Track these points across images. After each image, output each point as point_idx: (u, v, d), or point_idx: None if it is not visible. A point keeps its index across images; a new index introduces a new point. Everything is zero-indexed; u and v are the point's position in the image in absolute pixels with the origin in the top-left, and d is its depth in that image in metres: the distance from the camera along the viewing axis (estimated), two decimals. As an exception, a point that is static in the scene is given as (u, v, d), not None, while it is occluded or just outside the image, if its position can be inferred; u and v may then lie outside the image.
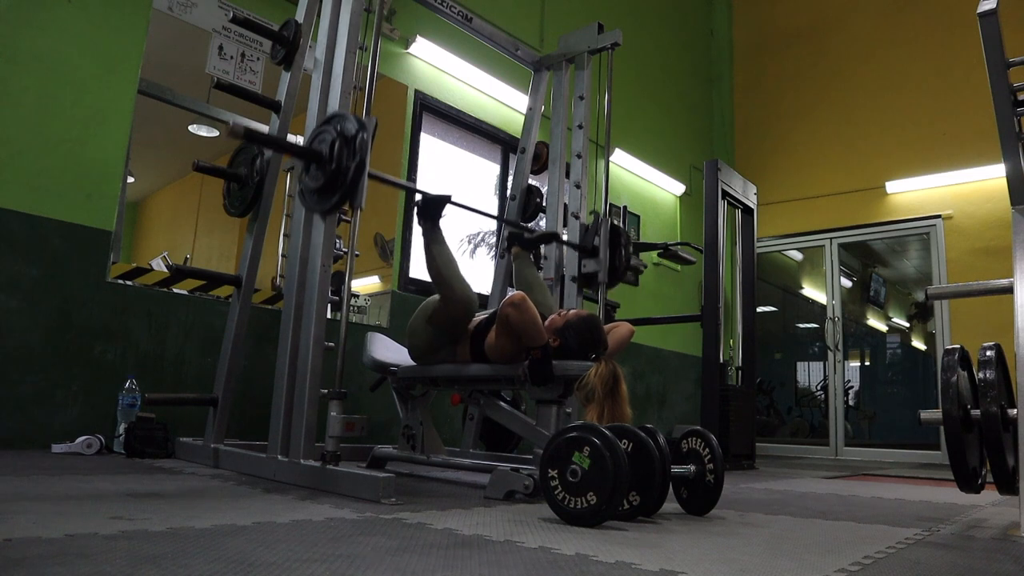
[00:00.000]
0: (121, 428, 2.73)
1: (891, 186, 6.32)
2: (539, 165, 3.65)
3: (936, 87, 6.26)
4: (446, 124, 4.52)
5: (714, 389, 4.33)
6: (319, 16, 2.62)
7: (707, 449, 1.99)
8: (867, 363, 7.98)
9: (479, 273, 4.63)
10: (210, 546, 1.17)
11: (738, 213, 5.09)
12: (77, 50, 2.91)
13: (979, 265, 5.74)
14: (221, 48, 3.41)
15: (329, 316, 2.65)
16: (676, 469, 1.93)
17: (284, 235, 3.52)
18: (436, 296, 2.50)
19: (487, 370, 2.40)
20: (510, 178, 3.75)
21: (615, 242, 3.31)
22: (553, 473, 1.69)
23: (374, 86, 2.43)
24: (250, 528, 1.37)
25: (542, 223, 3.69)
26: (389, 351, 2.85)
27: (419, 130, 4.26)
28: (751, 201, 5.04)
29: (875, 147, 6.52)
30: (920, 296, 7.57)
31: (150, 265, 3.14)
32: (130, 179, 3.09)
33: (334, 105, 2.37)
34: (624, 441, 1.77)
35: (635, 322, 4.82)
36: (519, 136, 3.73)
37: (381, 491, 1.86)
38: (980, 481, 2.06)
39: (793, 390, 7.70)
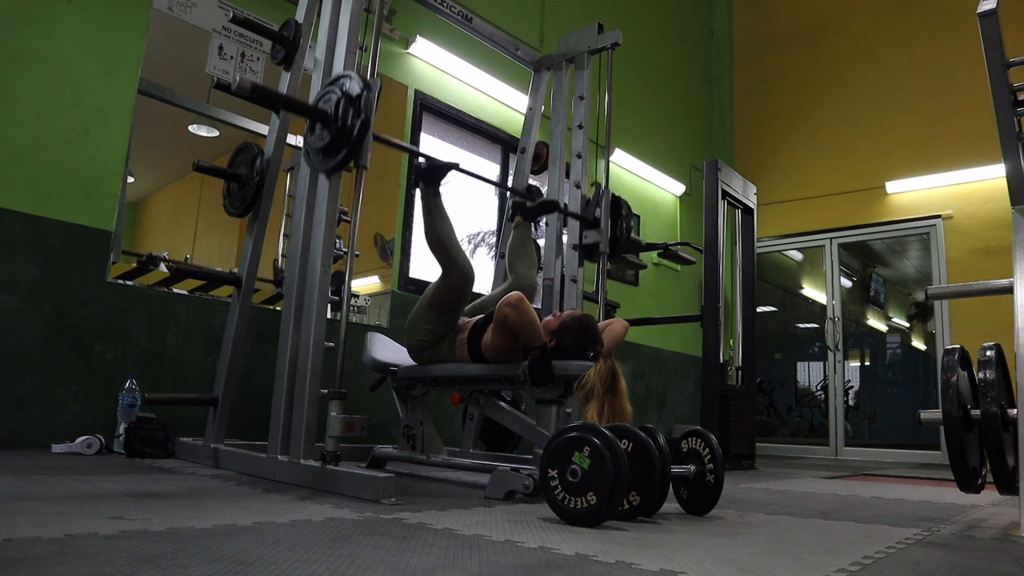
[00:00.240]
0: (121, 428, 2.73)
1: (891, 186, 6.32)
2: (539, 165, 3.65)
3: (936, 87, 6.26)
4: (446, 124, 4.52)
5: (714, 389, 4.33)
6: (319, 16, 2.62)
7: (707, 449, 1.99)
8: (867, 363, 7.98)
9: (480, 273, 4.62)
10: (210, 546, 1.17)
11: (738, 213, 5.09)
12: (77, 50, 2.91)
13: (979, 265, 5.73)
14: (221, 48, 3.41)
15: (329, 316, 2.64)
16: (676, 469, 1.93)
17: (284, 235, 3.52)
18: (432, 284, 2.50)
19: (487, 370, 2.40)
20: (510, 178, 3.76)
21: (616, 213, 3.32)
22: (553, 473, 1.69)
23: (374, 86, 2.43)
24: (250, 528, 1.37)
25: (543, 224, 3.69)
26: (389, 351, 2.85)
27: (419, 130, 4.26)
28: (751, 201, 5.04)
29: (875, 147, 6.52)
30: (920, 296, 7.57)
31: (152, 255, 3.14)
32: (130, 179, 3.09)
33: (334, 105, 2.37)
34: (624, 441, 1.77)
35: (635, 322, 4.85)
36: (519, 136, 3.73)
37: (381, 491, 1.86)
38: (980, 481, 2.06)
39: (793, 390, 7.70)
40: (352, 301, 3.69)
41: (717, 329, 4.38)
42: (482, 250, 4.85)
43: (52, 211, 2.79)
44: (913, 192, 6.26)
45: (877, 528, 1.88)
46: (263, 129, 3.19)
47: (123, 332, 2.93)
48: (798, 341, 7.98)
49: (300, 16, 2.80)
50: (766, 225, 6.59)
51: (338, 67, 2.40)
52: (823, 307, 6.61)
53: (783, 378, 7.69)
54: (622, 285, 5.68)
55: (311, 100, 2.31)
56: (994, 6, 1.96)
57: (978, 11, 1.98)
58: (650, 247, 4.75)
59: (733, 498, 2.50)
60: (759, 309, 5.56)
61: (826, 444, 6.39)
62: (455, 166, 2.48)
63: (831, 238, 6.65)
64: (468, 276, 2.46)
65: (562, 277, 3.32)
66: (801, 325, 7.97)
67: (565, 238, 3.39)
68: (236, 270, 2.83)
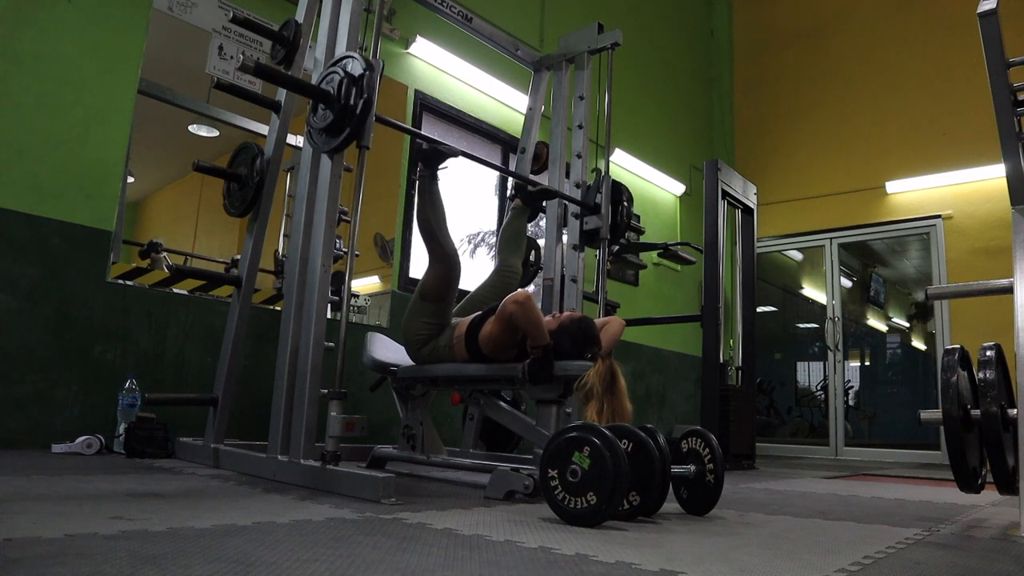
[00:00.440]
0: (121, 428, 2.73)
1: (891, 186, 6.32)
2: (539, 165, 3.65)
3: (936, 87, 6.26)
4: (446, 124, 4.52)
5: (714, 389, 4.33)
6: (319, 16, 2.62)
7: (707, 449, 1.99)
8: (867, 363, 7.98)
9: (480, 273, 4.63)
10: (210, 546, 1.17)
11: (738, 213, 5.09)
12: (77, 50, 2.91)
13: (979, 265, 5.73)
14: (221, 48, 3.41)
15: (329, 316, 2.64)
16: (676, 469, 1.93)
17: (284, 235, 3.52)
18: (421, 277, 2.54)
19: (487, 370, 2.40)
20: (510, 178, 3.76)
21: (616, 199, 3.33)
22: (553, 473, 1.69)
23: (374, 86, 2.43)
24: (250, 528, 1.37)
25: (543, 223, 3.69)
26: (389, 351, 2.85)
27: (419, 130, 4.26)
28: (751, 201, 5.04)
29: (875, 147, 6.52)
30: (920, 296, 7.57)
31: (152, 241, 3.15)
32: (130, 179, 3.09)
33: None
34: (624, 441, 1.77)
35: (635, 322, 4.87)
36: (519, 136, 3.73)
37: (381, 491, 1.86)
38: (980, 481, 2.06)
39: (793, 390, 7.70)
40: (352, 301, 3.69)
41: (717, 329, 4.38)
42: (482, 250, 4.86)
43: (52, 211, 2.79)
44: (913, 192, 6.26)
45: (877, 528, 1.88)
46: (263, 129, 3.19)
47: (123, 332, 2.93)
48: (798, 341, 7.98)
49: (300, 16, 2.80)
50: (766, 225, 6.59)
51: (338, 67, 2.40)
52: (823, 307, 6.61)
53: (783, 378, 7.69)
54: (622, 285, 5.68)
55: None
56: (994, 6, 1.96)
57: (978, 11, 1.98)
58: (650, 247, 4.75)
59: (733, 498, 2.50)
60: (759, 309, 5.57)
61: (826, 444, 6.39)
62: (457, 153, 2.50)
63: (831, 238, 6.65)
64: (453, 262, 2.50)
65: (562, 277, 3.32)
66: (801, 325, 7.97)
67: (565, 238, 3.39)
68: (232, 264, 2.83)
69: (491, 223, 4.84)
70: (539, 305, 3.32)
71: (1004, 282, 2.05)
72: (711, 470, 1.97)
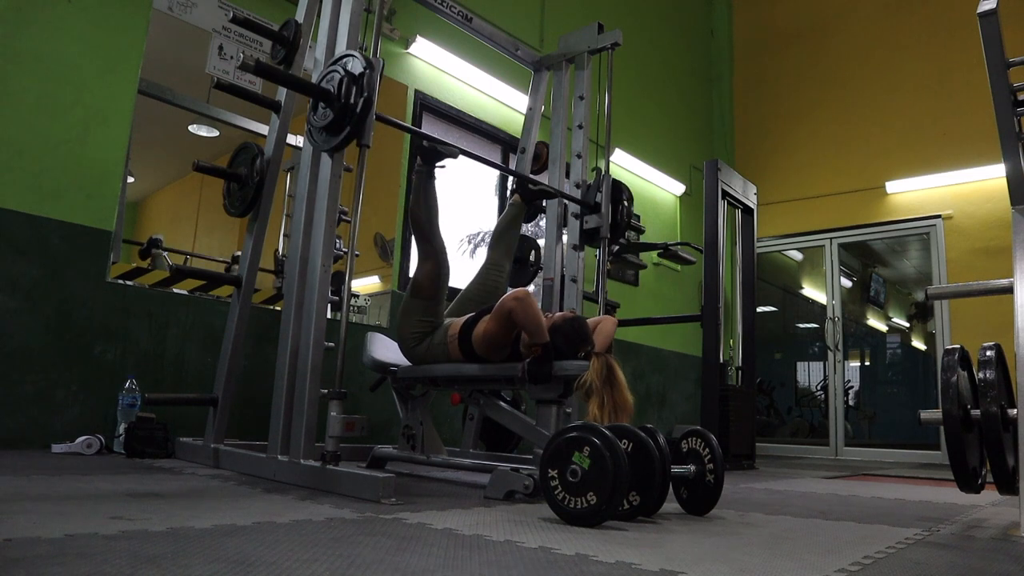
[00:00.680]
0: (121, 428, 2.73)
1: (891, 186, 6.32)
2: (539, 165, 3.65)
3: (936, 87, 6.26)
4: (446, 124, 4.52)
5: (714, 389, 4.33)
6: (319, 16, 2.62)
7: (707, 449, 1.99)
8: (867, 363, 7.98)
9: (474, 271, 4.62)
10: (210, 546, 1.17)
11: (738, 213, 5.09)
12: (77, 50, 2.91)
13: (979, 265, 5.73)
14: (221, 48, 3.41)
15: (329, 316, 2.64)
16: (676, 469, 1.93)
17: (284, 235, 3.52)
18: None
19: (487, 370, 2.40)
20: (510, 178, 3.76)
21: (616, 198, 3.33)
22: (553, 473, 1.69)
23: (374, 86, 2.43)
24: (250, 528, 1.37)
25: (542, 223, 3.69)
26: (389, 351, 2.85)
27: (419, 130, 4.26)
28: (751, 201, 5.04)
29: (875, 147, 6.51)
30: (920, 296, 7.57)
31: (152, 238, 3.15)
32: (130, 179, 3.09)
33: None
34: (624, 441, 1.77)
35: (635, 322, 4.87)
36: (519, 136, 3.73)
37: (381, 491, 1.86)
38: (980, 481, 2.06)
39: (793, 390, 7.70)
40: (352, 301, 3.69)
41: (717, 329, 4.38)
42: (482, 250, 4.85)
43: (52, 211, 2.79)
44: (913, 192, 6.26)
45: (877, 528, 1.88)
46: (263, 129, 3.19)
47: (123, 332, 2.93)
48: (798, 341, 7.98)
49: (300, 16, 2.80)
50: (766, 225, 6.59)
51: (338, 67, 2.40)
52: (823, 307, 6.61)
53: (783, 378, 7.69)
54: (622, 285, 5.68)
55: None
56: (994, 6, 1.96)
57: (978, 11, 1.98)
58: (650, 247, 4.75)
59: (733, 498, 2.50)
60: (759, 309, 5.56)
61: (826, 444, 6.39)
62: (456, 154, 2.53)
63: (831, 238, 6.65)
64: (442, 259, 2.52)
65: (562, 277, 3.32)
66: (801, 325, 7.97)
67: (565, 238, 3.39)
68: (232, 262, 2.83)
69: (491, 223, 4.83)
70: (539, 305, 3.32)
71: (1004, 282, 2.05)
72: (711, 470, 1.97)
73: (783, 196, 6.82)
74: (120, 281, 2.97)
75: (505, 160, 4.87)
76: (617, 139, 5.48)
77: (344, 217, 3.11)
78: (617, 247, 4.25)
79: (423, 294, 2.51)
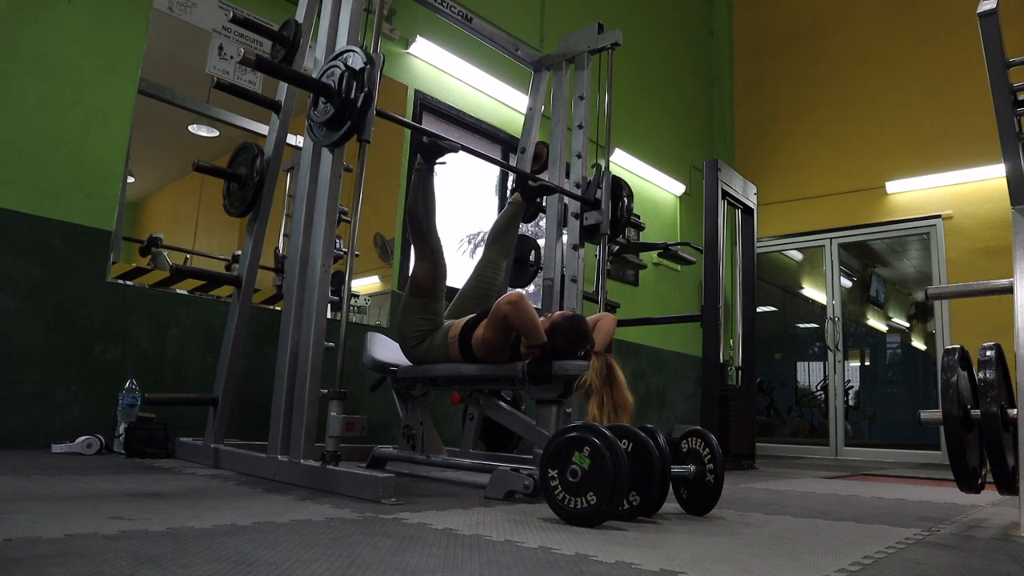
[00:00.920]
0: (121, 428, 2.73)
1: (891, 186, 6.32)
2: (539, 165, 3.65)
3: (936, 87, 6.26)
4: (446, 124, 4.52)
5: (714, 389, 4.33)
6: (319, 16, 2.62)
7: (707, 449, 1.99)
8: (867, 363, 7.98)
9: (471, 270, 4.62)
10: (210, 546, 1.17)
11: (738, 213, 5.09)
12: (77, 50, 2.91)
13: (979, 265, 5.73)
14: (221, 48, 3.41)
15: (329, 316, 2.64)
16: (676, 469, 1.93)
17: (284, 235, 3.52)
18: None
19: (487, 370, 2.40)
20: (510, 178, 3.75)
21: (616, 195, 3.33)
22: (553, 473, 1.69)
23: (374, 86, 2.43)
24: (250, 528, 1.37)
25: (542, 223, 3.69)
26: (389, 351, 2.85)
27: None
28: (751, 201, 5.04)
29: (875, 147, 6.51)
30: (920, 296, 7.57)
31: (152, 236, 3.15)
32: (130, 179, 3.09)
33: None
34: (624, 441, 1.77)
35: (635, 322, 4.87)
36: (519, 136, 3.73)
37: (381, 491, 1.86)
38: (980, 481, 2.06)
39: (793, 390, 7.70)
40: (352, 301, 3.69)
41: (717, 329, 4.38)
42: (481, 250, 4.85)
43: (52, 211, 2.79)
44: (913, 192, 6.26)
45: (877, 528, 1.88)
46: (263, 129, 3.19)
47: (123, 332, 2.93)
48: (798, 341, 7.98)
49: (300, 16, 2.80)
50: (766, 225, 6.59)
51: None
52: (823, 307, 6.61)
53: (783, 378, 7.69)
54: (622, 285, 5.68)
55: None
56: (994, 6, 1.96)
57: (978, 11, 1.98)
58: (650, 247, 4.75)
59: (733, 498, 2.50)
60: (759, 309, 5.56)
61: (826, 444, 6.39)
62: (457, 148, 2.53)
63: (831, 238, 6.65)
64: (438, 257, 2.53)
65: (562, 277, 3.32)
66: (801, 325, 7.97)
67: (565, 238, 3.39)
68: (233, 261, 2.82)
69: (491, 223, 4.83)
70: (539, 305, 3.33)
71: (1004, 282, 2.05)
72: (711, 470, 1.97)
73: (783, 196, 6.82)
74: (120, 281, 2.97)
75: (505, 159, 4.87)
76: (617, 139, 5.48)
77: (344, 217, 3.11)
78: (617, 246, 4.26)
79: (422, 293, 2.51)
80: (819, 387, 6.95)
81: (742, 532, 1.70)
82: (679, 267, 6.20)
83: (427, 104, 4.32)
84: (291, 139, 2.93)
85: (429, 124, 4.38)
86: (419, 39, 4.15)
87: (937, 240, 6.08)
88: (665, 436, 1.86)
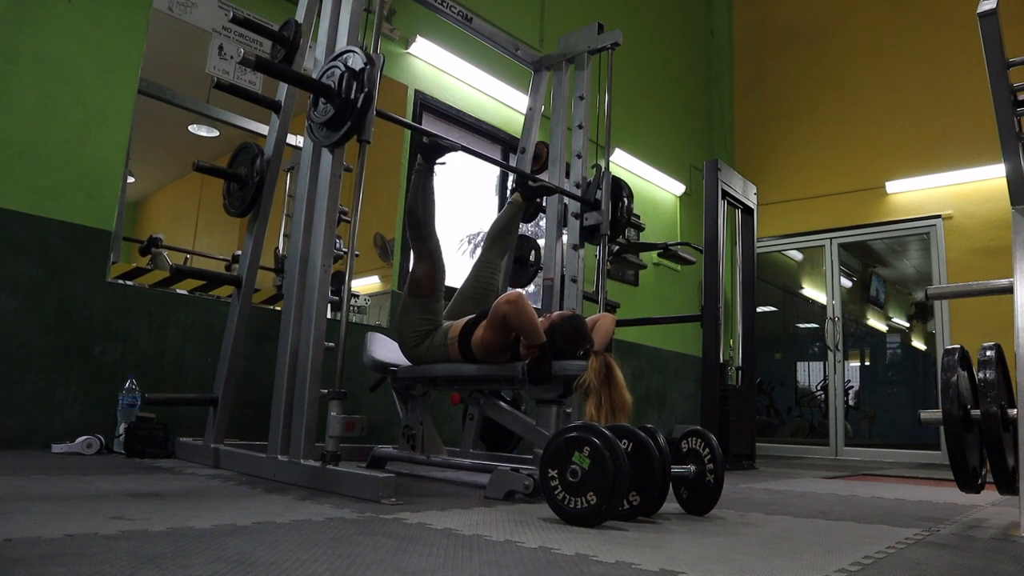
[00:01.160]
0: (121, 428, 2.73)
1: (891, 186, 6.32)
2: (539, 165, 3.65)
3: (936, 87, 6.26)
4: (446, 124, 4.52)
5: (714, 389, 4.33)
6: (319, 16, 2.62)
7: (707, 449, 1.99)
8: (867, 363, 7.98)
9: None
10: (210, 546, 1.17)
11: (738, 213, 5.09)
12: (77, 50, 2.91)
13: (979, 265, 5.73)
14: (221, 48, 3.41)
15: (329, 316, 2.65)
16: (676, 469, 1.93)
17: (284, 235, 3.52)
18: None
19: (487, 370, 2.40)
20: (510, 178, 3.75)
21: (616, 195, 3.33)
22: (553, 473, 1.69)
23: (374, 86, 2.43)
24: (250, 528, 1.37)
25: (542, 223, 3.69)
26: (389, 351, 2.85)
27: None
28: (751, 201, 5.04)
29: (875, 147, 6.51)
30: (920, 296, 7.56)
31: (152, 236, 3.15)
32: (130, 179, 3.09)
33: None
34: (624, 441, 1.77)
35: (635, 322, 4.87)
36: (519, 136, 3.73)
37: (381, 491, 1.86)
38: (980, 481, 2.06)
39: (793, 390, 7.70)
40: (352, 301, 3.69)
41: (717, 329, 4.38)
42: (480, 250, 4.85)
43: (52, 211, 2.79)
44: (913, 192, 6.26)
45: (877, 528, 1.88)
46: (263, 129, 3.19)
47: (123, 332, 2.93)
48: (798, 341, 7.98)
49: (300, 16, 2.80)
50: (766, 225, 6.59)
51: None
52: (823, 307, 6.61)
53: (783, 378, 7.69)
54: (622, 285, 5.68)
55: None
56: (994, 6, 1.96)
57: (978, 11, 1.98)
58: (650, 247, 4.75)
59: (733, 498, 2.50)
60: (759, 309, 5.56)
61: (826, 444, 6.39)
62: (457, 148, 2.54)
63: (831, 238, 6.65)
64: (436, 257, 2.53)
65: (562, 277, 3.32)
66: (801, 325, 7.97)
67: (565, 238, 3.39)
68: (233, 260, 2.82)
69: (490, 223, 4.83)
70: (539, 305, 3.33)
71: (1004, 282, 2.05)
72: (711, 470, 1.97)
73: (783, 196, 6.83)
74: (120, 281, 2.97)
75: (505, 159, 4.87)
76: (617, 139, 5.48)
77: (344, 217, 3.11)
78: (617, 246, 4.26)
79: (421, 292, 2.51)
80: (819, 387, 6.95)
81: (742, 532, 1.70)
82: (679, 267, 6.20)
83: (427, 104, 4.32)
84: (291, 139, 2.93)
85: (429, 124, 4.38)
86: (419, 39, 4.15)
87: (937, 240, 6.08)
88: (665, 436, 1.87)
